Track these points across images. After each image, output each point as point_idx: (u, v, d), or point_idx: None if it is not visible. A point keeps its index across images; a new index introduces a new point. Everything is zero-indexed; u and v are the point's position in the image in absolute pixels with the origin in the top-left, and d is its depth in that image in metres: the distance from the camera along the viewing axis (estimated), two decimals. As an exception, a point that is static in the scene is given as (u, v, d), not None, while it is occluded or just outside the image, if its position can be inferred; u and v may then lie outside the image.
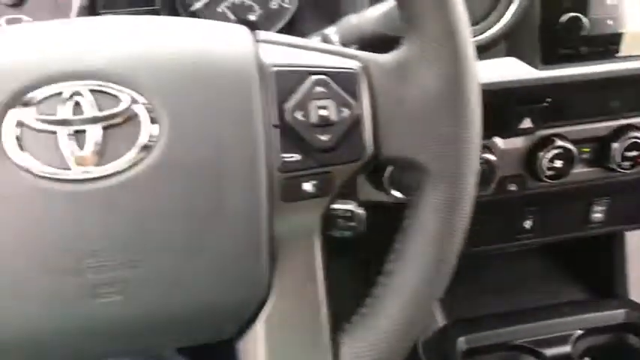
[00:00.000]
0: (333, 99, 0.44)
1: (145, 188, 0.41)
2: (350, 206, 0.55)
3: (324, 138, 0.44)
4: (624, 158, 0.83)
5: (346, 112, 0.45)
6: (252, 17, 0.89)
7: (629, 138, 0.83)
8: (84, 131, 0.40)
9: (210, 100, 0.42)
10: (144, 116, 0.41)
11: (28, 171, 0.40)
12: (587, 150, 0.86)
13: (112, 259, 0.42)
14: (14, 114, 0.40)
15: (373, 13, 0.59)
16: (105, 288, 0.42)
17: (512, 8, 0.73)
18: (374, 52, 0.48)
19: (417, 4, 0.45)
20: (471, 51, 0.46)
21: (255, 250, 0.45)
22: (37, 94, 0.40)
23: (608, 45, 0.76)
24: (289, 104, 0.44)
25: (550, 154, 0.81)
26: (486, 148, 0.80)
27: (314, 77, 0.44)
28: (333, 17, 0.85)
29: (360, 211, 0.56)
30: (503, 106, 0.75)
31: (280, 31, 0.87)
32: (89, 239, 0.41)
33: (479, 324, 1.00)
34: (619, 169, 0.84)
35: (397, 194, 0.75)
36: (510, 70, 0.75)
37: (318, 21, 0.88)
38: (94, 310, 0.43)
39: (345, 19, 0.61)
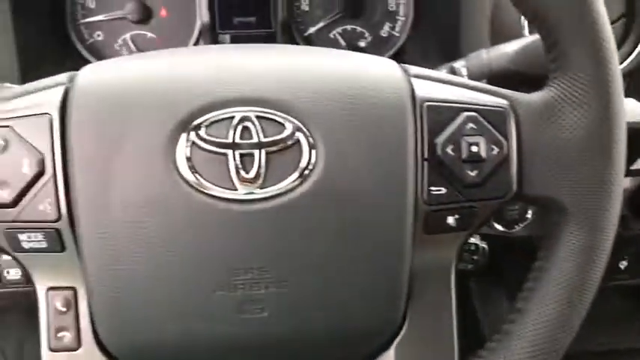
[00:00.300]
0: (483, 136, 0.45)
1: (301, 212, 0.43)
2: (474, 239, 0.56)
3: (472, 174, 0.45)
4: None
5: (496, 149, 0.45)
6: (362, 44, 0.92)
7: None
8: (251, 155, 0.42)
9: (365, 131, 0.44)
10: (304, 143, 0.43)
11: (197, 189, 0.42)
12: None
13: (263, 277, 0.44)
14: (187, 135, 0.42)
15: (507, 49, 0.60)
16: (252, 304, 0.44)
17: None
18: (504, 87, 0.49)
19: (567, 44, 0.46)
20: (621, 91, 0.46)
21: (395, 279, 0.46)
22: (209, 117, 0.42)
23: None
24: (441, 139, 0.45)
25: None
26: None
27: (466, 114, 0.45)
28: (444, 50, 0.86)
29: (484, 244, 0.56)
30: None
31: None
32: (246, 256, 0.43)
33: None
34: None
35: (521, 229, 0.75)
36: (630, 109, 0.74)
37: (427, 52, 0.89)
38: (238, 325, 0.44)
39: (474, 54, 0.62)
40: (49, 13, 0.85)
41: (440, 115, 0.45)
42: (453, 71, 0.62)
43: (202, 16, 0.85)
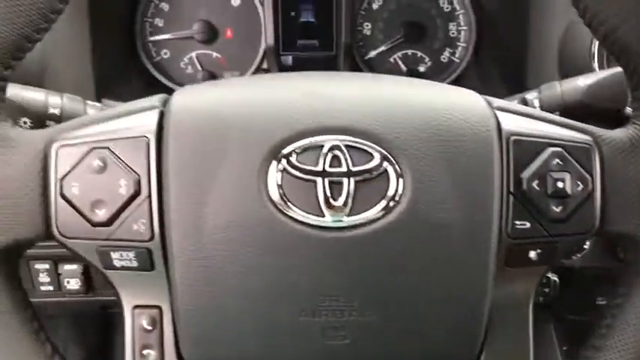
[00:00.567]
0: (569, 172, 0.45)
1: (387, 241, 0.44)
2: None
3: (557, 209, 0.45)
4: None
5: (581, 186, 0.46)
6: (421, 69, 0.92)
7: None
8: (340, 183, 0.43)
9: (451, 163, 0.44)
10: (392, 173, 0.44)
11: (287, 215, 0.43)
12: None
13: (347, 303, 0.44)
14: (278, 162, 0.43)
15: (580, 82, 0.60)
16: (335, 331, 0.45)
17: None
18: (576, 121, 0.49)
19: None
20: None
21: (476, 311, 0.46)
22: (300, 145, 0.43)
23: None
24: (527, 173, 0.45)
25: None
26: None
27: (552, 149, 0.46)
28: (507, 78, 0.86)
29: (555, 278, 0.56)
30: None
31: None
32: (332, 283, 0.44)
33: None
34: None
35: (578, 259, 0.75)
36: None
37: (488, 79, 0.89)
38: (320, 350, 0.45)
39: (546, 85, 0.62)
40: (120, 30, 0.88)
41: (526, 149, 0.46)
42: (525, 102, 0.62)
43: (267, 38, 0.87)
